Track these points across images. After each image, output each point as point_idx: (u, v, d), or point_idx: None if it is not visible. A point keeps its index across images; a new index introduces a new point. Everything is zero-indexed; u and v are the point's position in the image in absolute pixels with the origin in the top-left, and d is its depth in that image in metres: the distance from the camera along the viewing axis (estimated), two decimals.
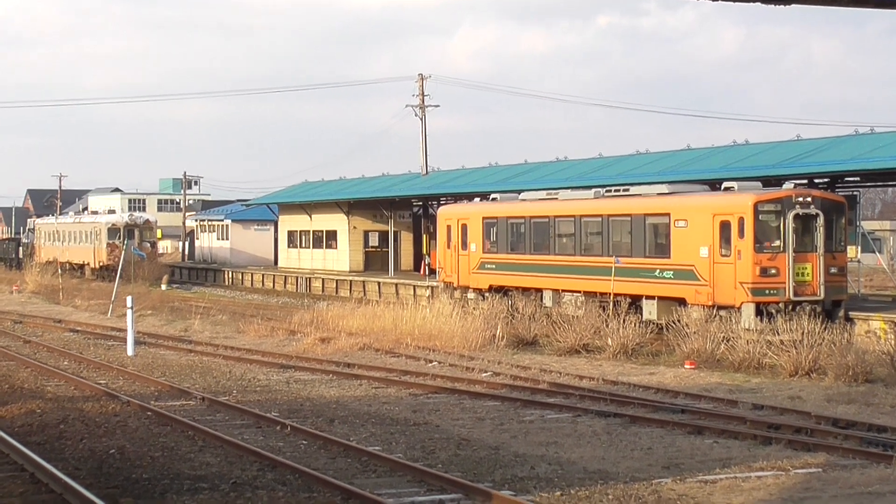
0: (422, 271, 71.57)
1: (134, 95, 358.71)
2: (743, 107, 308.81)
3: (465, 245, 52.08)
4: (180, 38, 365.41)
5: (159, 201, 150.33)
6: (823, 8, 15.49)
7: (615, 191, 45.72)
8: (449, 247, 53.25)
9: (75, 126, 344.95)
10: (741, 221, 38.46)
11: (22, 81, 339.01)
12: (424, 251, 75.04)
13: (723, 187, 41.90)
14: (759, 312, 37.52)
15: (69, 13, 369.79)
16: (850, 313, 39.59)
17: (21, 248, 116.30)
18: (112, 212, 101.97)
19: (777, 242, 38.40)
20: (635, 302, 41.75)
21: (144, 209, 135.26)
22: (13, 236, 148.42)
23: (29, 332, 47.99)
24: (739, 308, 37.99)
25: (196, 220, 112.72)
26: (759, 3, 15.29)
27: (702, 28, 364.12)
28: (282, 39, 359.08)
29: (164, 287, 79.92)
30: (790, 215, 38.38)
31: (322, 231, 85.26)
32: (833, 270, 39.07)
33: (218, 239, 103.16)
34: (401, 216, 78.93)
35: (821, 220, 38.72)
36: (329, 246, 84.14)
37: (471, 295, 50.74)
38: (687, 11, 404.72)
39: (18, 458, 20.33)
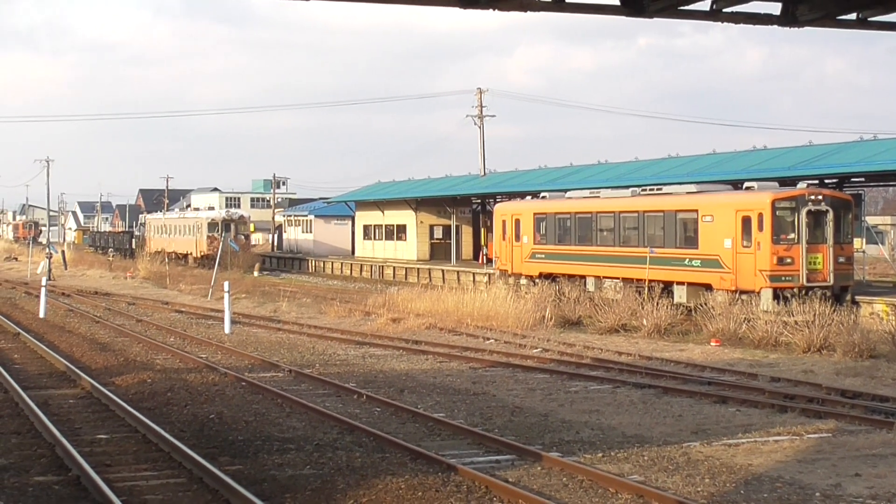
0: (480, 260, 71.56)
1: (232, 107, 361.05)
2: (763, 116, 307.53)
3: (518, 237, 52.00)
4: (274, 57, 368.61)
5: (252, 199, 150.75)
6: (836, 29, 15.42)
7: (650, 190, 45.52)
8: (504, 239, 53.19)
9: (181, 134, 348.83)
10: (760, 217, 38.22)
11: (139, 95, 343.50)
12: (482, 243, 74.96)
13: (744, 187, 41.68)
14: (776, 296, 37.29)
15: (182, 36, 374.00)
16: (856, 297, 39.30)
17: (134, 240, 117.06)
18: (211, 209, 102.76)
19: (792, 235, 38.15)
20: (667, 287, 41.61)
21: (239, 206, 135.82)
22: (127, 230, 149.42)
23: (140, 312, 48.31)
24: (759, 293, 37.75)
25: (284, 216, 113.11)
26: (776, 26, 15.22)
27: (729, 47, 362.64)
28: (361, 58, 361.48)
29: (256, 274, 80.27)
30: (803, 211, 38.12)
31: (393, 225, 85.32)
32: (841, 260, 38.78)
33: (303, 232, 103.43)
34: (462, 212, 78.87)
35: (830, 216, 38.43)
36: (399, 238, 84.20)
37: (523, 281, 50.64)
38: (716, 33, 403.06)
39: (132, 422, 20.53)
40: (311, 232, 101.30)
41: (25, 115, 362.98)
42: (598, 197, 48.12)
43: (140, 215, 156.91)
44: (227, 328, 39.02)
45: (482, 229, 76.97)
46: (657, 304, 38.23)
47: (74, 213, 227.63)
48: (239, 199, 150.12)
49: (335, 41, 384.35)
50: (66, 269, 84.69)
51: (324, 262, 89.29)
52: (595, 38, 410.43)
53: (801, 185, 40.85)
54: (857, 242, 42.88)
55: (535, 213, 51.28)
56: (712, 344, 34.04)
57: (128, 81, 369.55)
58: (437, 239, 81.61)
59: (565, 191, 53.66)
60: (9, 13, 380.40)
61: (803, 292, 36.97)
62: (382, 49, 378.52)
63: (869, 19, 15.18)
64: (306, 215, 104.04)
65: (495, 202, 65.52)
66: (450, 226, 78.27)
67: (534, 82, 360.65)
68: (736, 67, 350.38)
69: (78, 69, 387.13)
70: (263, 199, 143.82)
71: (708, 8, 14.60)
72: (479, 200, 78.71)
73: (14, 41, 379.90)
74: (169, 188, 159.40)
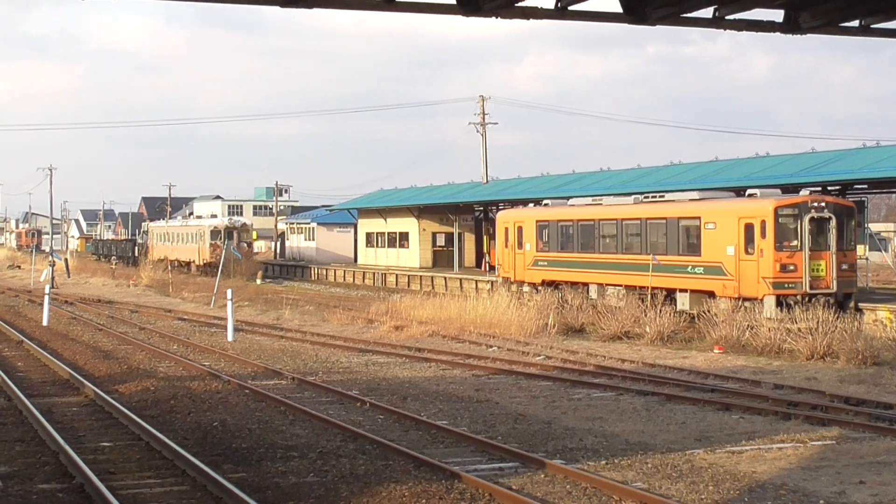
0: (483, 268, 71.59)
1: (236, 115, 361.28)
2: (767, 123, 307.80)
3: (520, 245, 51.99)
4: (283, 65, 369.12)
5: (254, 207, 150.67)
6: (840, 37, 15.43)
7: (652, 197, 45.54)
8: (507, 246, 53.18)
9: (183, 142, 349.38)
10: (763, 224, 38.21)
11: (145, 102, 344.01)
12: (485, 250, 74.97)
13: (747, 194, 41.64)
14: (779, 303, 37.26)
15: (192, 43, 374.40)
16: (860, 304, 39.25)
17: (136, 248, 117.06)
18: (214, 216, 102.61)
19: (795, 242, 38.13)
20: (670, 294, 41.57)
21: (242, 214, 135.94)
22: (130, 238, 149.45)
23: (143, 320, 48.31)
24: (762, 300, 37.73)
25: (286, 224, 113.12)
26: (778, 33, 15.24)
27: (737, 55, 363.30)
28: (370, 65, 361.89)
29: (258, 281, 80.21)
30: (806, 218, 38.10)
31: (396, 232, 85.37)
32: (844, 267, 38.76)
33: (305, 240, 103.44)
34: (464, 219, 78.88)
35: (833, 223, 38.41)
36: (402, 245, 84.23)
37: (526, 288, 50.62)
38: (724, 41, 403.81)
39: (136, 429, 20.53)
40: (313, 240, 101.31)
41: (28, 123, 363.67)
42: (601, 204, 48.12)
43: (143, 223, 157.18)
44: (230, 336, 39.04)
45: (485, 237, 76.99)
46: (660, 311, 38.21)
47: (77, 222, 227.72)
48: (241, 206, 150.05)
49: (345, 49, 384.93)
50: (69, 277, 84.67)
51: (326, 270, 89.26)
52: (604, 46, 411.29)
53: (804, 192, 40.83)
54: (860, 249, 42.91)
55: (537, 221, 51.27)
56: (715, 351, 34.00)
57: (133, 90, 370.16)
58: (439, 246, 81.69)
59: (568, 198, 53.63)
60: (22, 20, 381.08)
61: (806, 299, 36.97)
62: (392, 57, 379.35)
63: (871, 26, 15.21)
64: (309, 223, 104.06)
65: (498, 209, 65.50)
66: (452, 233, 78.31)
67: (542, 90, 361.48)
68: (742, 75, 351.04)
69: (85, 78, 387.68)
70: (266, 207, 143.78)
71: (710, 15, 14.62)
72: (481, 208, 78.75)
73: (25, 49, 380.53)
74: (171, 196, 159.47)
